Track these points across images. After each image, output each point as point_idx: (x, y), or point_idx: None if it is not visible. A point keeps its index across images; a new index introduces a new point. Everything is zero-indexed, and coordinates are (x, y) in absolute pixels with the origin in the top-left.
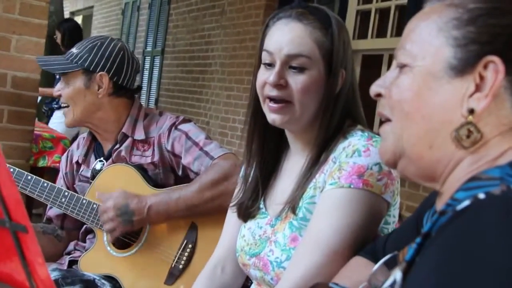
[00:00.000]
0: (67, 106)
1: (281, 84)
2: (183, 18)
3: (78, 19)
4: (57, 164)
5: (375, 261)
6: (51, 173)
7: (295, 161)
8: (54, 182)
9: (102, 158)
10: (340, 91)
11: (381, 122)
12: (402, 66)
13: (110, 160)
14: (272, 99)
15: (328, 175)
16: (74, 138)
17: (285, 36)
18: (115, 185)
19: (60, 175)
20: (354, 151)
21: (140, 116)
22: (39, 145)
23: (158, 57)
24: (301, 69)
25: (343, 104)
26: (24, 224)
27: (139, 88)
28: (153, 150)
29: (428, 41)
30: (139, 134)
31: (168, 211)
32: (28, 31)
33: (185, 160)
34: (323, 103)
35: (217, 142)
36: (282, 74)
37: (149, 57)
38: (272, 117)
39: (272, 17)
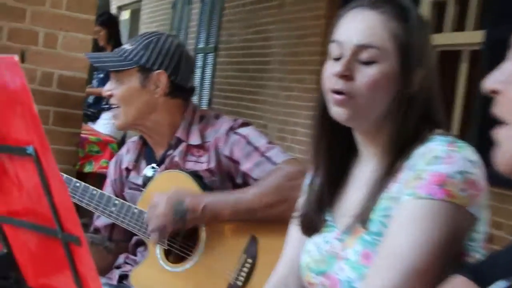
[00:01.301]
0: (118, 107)
1: (347, 75)
2: (238, 12)
3: (126, 14)
4: (104, 170)
5: (481, 285)
6: (97, 179)
7: (365, 168)
8: (101, 189)
9: (154, 164)
10: (417, 92)
11: (494, 123)
12: None
13: (162, 166)
14: (336, 92)
15: (404, 185)
16: (121, 142)
17: (357, 25)
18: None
19: (108, 181)
20: (434, 157)
21: (195, 119)
22: (85, 149)
23: (211, 54)
24: (370, 63)
25: (421, 106)
26: (77, 235)
27: (194, 88)
28: (209, 155)
29: None
30: (194, 139)
31: (224, 212)
32: (75, 27)
33: (244, 167)
34: (394, 102)
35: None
36: (350, 65)
37: (201, 55)
38: (336, 110)
39: (346, 7)
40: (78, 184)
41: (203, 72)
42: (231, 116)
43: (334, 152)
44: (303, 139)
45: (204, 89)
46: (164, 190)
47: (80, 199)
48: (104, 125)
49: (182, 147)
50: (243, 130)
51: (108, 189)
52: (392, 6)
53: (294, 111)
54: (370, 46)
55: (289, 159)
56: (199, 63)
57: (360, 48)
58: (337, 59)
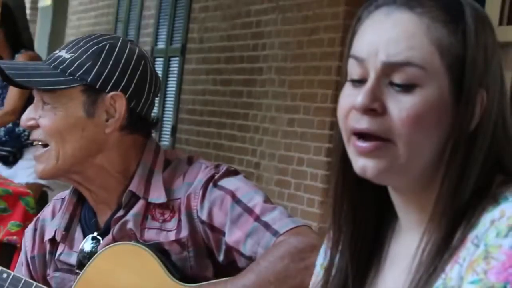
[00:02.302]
0: (45, 145)
1: (374, 109)
2: None
3: (48, 0)
4: (14, 238)
5: None
6: (4, 252)
7: (407, 242)
8: (9, 268)
9: (95, 234)
10: (480, 126)
11: None
12: None
13: (108, 237)
14: (360, 134)
15: (467, 267)
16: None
17: (385, 32)
18: (120, 278)
19: (21, 260)
20: (511, 226)
21: (157, 164)
22: None
23: (176, 59)
24: (408, 87)
25: (487, 145)
26: None
27: (157, 120)
28: (180, 220)
29: None
30: (157, 195)
31: None
32: None
33: (231, 238)
34: (448, 143)
35: (270, 197)
36: (378, 93)
37: (161, 60)
38: (361, 164)
39: (368, 5)
40: None
41: (164, 86)
42: (207, 159)
43: (363, 219)
44: (313, 184)
45: (166, 111)
46: (112, 275)
47: None
48: (26, 169)
49: (138, 207)
50: (228, 182)
51: (21, 272)
52: (436, 3)
53: (300, 143)
54: (406, 64)
55: (297, 227)
56: (158, 71)
57: (392, 67)
58: (359, 81)
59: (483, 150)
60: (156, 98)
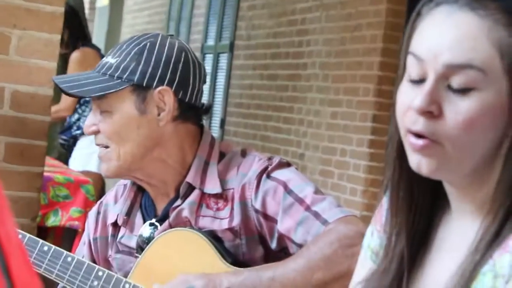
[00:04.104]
0: (106, 147)
1: (431, 111)
2: None
3: (105, 0)
4: (76, 223)
5: None
6: (66, 237)
7: (459, 229)
8: (71, 251)
9: (153, 220)
10: None
11: None
12: None
13: (166, 224)
14: (415, 134)
15: None
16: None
17: (447, 34)
18: (175, 262)
19: (84, 240)
20: None
21: (212, 156)
22: (48, 193)
23: (225, 55)
24: (466, 90)
25: None
26: None
27: (209, 107)
28: (232, 209)
29: None
30: (212, 186)
31: None
32: (36, 23)
33: (282, 226)
34: (504, 142)
35: (318, 187)
36: (436, 95)
37: (210, 56)
38: (416, 160)
39: (427, 1)
40: (46, 248)
41: (213, 81)
42: (260, 151)
43: (418, 205)
44: (356, 174)
45: (215, 104)
46: (169, 258)
47: (50, 269)
48: (81, 157)
49: (194, 196)
50: (281, 174)
51: (83, 251)
52: (500, 6)
53: (343, 135)
54: (467, 67)
55: (345, 216)
56: (207, 67)
57: (452, 69)
58: (418, 81)
59: None
60: (204, 86)
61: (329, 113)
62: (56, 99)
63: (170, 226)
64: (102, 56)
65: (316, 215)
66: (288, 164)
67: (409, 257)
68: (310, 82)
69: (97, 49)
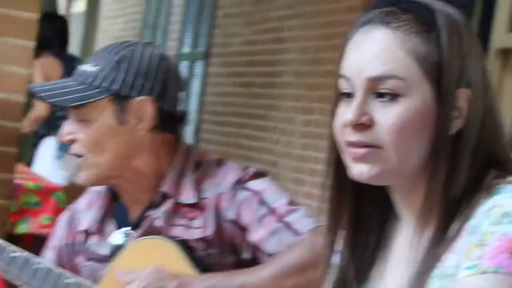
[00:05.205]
0: (80, 156)
1: (363, 123)
2: (239, 2)
3: (80, 5)
4: (46, 231)
5: None
6: (35, 244)
7: (406, 236)
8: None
9: (126, 228)
10: (466, 124)
11: None
12: None
13: (138, 231)
14: (353, 144)
15: (463, 255)
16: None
17: (366, 50)
18: (145, 268)
19: (51, 244)
20: (504, 215)
21: (188, 166)
22: (19, 200)
23: (200, 62)
24: (392, 97)
25: (475, 142)
26: None
27: (185, 114)
28: (206, 218)
29: None
30: (187, 195)
31: None
32: (12, 30)
33: (255, 236)
34: (436, 144)
35: (290, 195)
36: (365, 108)
37: (186, 63)
38: (357, 170)
39: (353, 25)
40: (16, 255)
41: (188, 88)
42: (228, 158)
43: (363, 219)
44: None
45: (189, 112)
46: (139, 266)
47: (17, 276)
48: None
49: (168, 205)
50: (255, 184)
51: (49, 256)
52: (410, 15)
53: (316, 142)
54: (388, 77)
55: (317, 227)
56: (183, 74)
57: (375, 81)
58: (349, 95)
59: (471, 146)
60: (182, 93)
61: (302, 121)
62: (27, 108)
63: (143, 235)
64: (67, 65)
65: (289, 226)
66: (263, 174)
67: (355, 272)
68: (284, 90)
69: (63, 57)
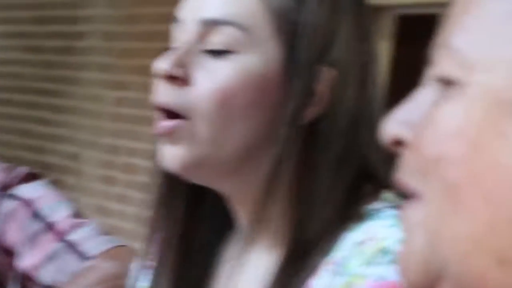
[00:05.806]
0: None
1: (177, 76)
2: None
3: None
4: None
5: None
6: None
7: (254, 261)
8: None
9: None
10: (325, 113)
11: (403, 197)
12: (446, 82)
13: None
14: (165, 114)
15: None
16: None
17: None
18: None
19: None
20: (379, 252)
21: None
22: None
23: None
24: (223, 53)
25: (336, 141)
26: None
27: None
28: None
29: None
30: None
31: None
32: None
33: (26, 261)
34: (278, 133)
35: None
36: (186, 59)
37: None
38: (162, 154)
39: None
40: None
41: None
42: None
43: (189, 228)
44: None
45: None
46: None
47: None
48: None
49: None
50: (25, 191)
51: None
52: None
53: (132, 128)
54: (226, 22)
55: (113, 248)
56: None
57: (210, 26)
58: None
59: (329, 146)
60: None
61: (112, 99)
62: None
63: None
64: None
65: (72, 246)
66: (36, 177)
67: None
68: (88, 57)
69: None
